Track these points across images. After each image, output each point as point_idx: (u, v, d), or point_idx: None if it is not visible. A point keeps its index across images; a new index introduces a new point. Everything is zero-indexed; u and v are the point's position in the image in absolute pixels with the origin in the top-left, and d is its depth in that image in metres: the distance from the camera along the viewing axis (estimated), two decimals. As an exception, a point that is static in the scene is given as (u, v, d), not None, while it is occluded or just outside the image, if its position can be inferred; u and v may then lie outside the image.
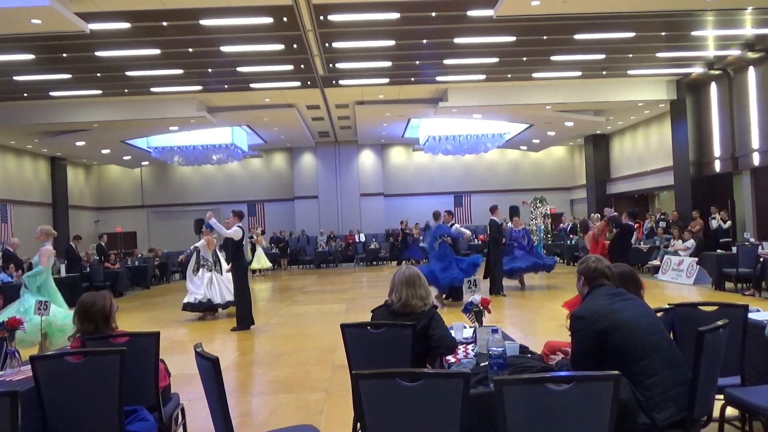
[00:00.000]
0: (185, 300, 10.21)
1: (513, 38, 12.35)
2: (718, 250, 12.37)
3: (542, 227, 22.30)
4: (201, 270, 10.30)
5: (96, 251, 17.22)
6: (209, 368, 2.60)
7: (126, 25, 10.69)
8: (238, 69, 13.81)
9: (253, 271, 19.42)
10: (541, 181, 26.32)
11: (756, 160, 14.36)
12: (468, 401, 2.21)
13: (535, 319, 9.09)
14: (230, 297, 10.04)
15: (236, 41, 11.96)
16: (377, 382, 2.25)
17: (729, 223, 14.75)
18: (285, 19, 10.84)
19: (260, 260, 19.76)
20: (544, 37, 12.40)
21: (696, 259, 12.36)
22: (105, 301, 3.51)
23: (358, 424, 3.06)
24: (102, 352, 3.08)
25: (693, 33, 12.62)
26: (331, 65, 13.89)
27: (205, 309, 10.15)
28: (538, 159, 26.63)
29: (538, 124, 19.90)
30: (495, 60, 13.96)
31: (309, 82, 15.40)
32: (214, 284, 10.22)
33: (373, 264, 22.23)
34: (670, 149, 17.71)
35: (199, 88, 15.56)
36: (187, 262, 10.98)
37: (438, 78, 15.58)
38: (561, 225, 21.43)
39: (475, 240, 21.26)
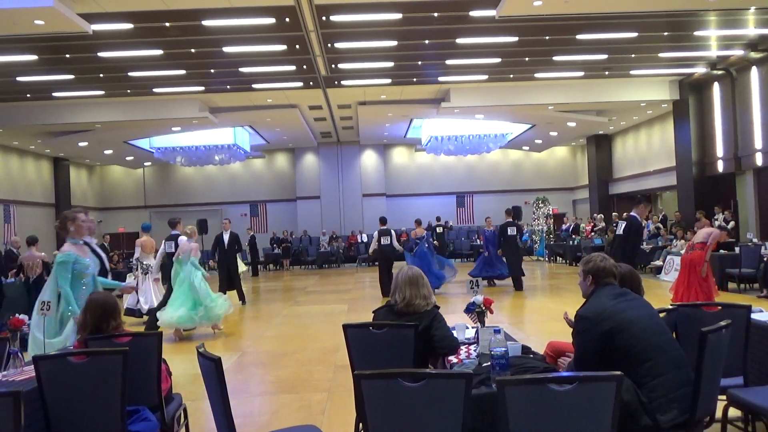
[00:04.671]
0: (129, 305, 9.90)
1: (515, 38, 12.34)
2: (721, 251, 12.33)
3: (544, 227, 22.28)
4: (144, 276, 9.91)
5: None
6: (211, 368, 2.60)
7: (129, 26, 10.70)
8: (241, 69, 13.83)
9: None
10: (543, 181, 26.29)
11: (759, 160, 14.33)
12: (470, 402, 2.21)
13: (538, 319, 9.08)
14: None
15: (238, 42, 11.97)
16: (379, 383, 2.25)
17: (732, 223, 14.71)
18: (287, 19, 10.85)
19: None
20: (547, 38, 12.38)
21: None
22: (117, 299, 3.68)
23: (361, 425, 3.06)
24: (104, 353, 3.09)
25: (696, 33, 12.60)
26: (333, 66, 13.90)
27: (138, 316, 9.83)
28: (540, 159, 26.60)
29: (540, 124, 19.88)
30: (497, 60, 13.95)
31: (311, 83, 15.41)
32: (152, 290, 9.90)
33: (375, 264, 22.17)
34: (673, 149, 17.68)
35: (202, 88, 15.58)
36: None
37: (440, 78, 15.57)
38: (563, 226, 21.39)
39: (477, 240, 21.25)
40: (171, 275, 8.76)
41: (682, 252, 13.31)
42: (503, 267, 12.89)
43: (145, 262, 10.11)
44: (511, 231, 12.61)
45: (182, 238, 9.07)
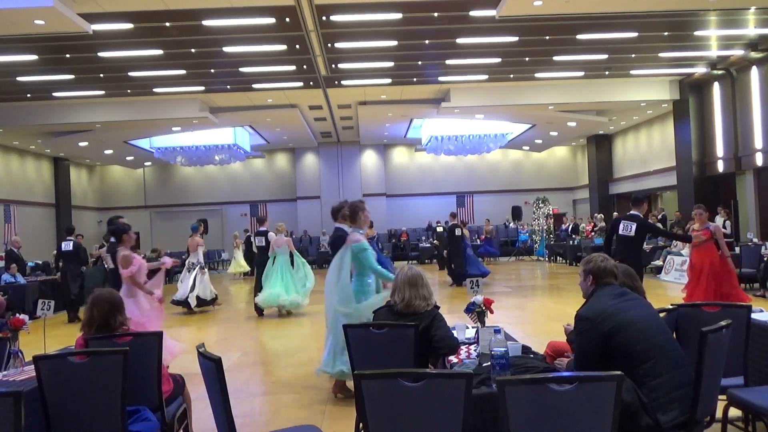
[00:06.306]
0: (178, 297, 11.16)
1: (515, 38, 12.34)
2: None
3: (544, 227, 22.27)
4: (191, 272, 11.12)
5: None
6: (212, 368, 2.60)
7: (129, 26, 10.70)
8: (241, 69, 13.83)
9: (233, 275, 19.97)
10: (543, 181, 26.28)
11: (759, 160, 14.32)
12: (470, 402, 2.21)
13: (538, 319, 9.08)
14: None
15: (239, 42, 11.97)
16: (380, 383, 2.25)
17: (729, 224, 14.68)
18: (287, 19, 10.85)
19: (239, 264, 19.63)
20: (547, 37, 12.38)
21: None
22: None
23: (361, 425, 3.06)
24: (105, 352, 3.09)
25: (696, 33, 12.60)
26: (333, 66, 13.90)
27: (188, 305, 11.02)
28: (540, 159, 26.59)
29: (540, 124, 19.87)
30: (497, 60, 13.95)
31: (311, 83, 15.41)
32: (197, 283, 11.02)
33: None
34: (673, 149, 17.67)
35: (202, 88, 15.58)
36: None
37: (440, 78, 15.57)
38: (562, 226, 21.39)
39: (477, 240, 21.27)
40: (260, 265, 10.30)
41: (683, 252, 13.36)
42: (478, 266, 14.06)
43: (192, 260, 11.30)
44: (458, 232, 13.65)
45: (272, 234, 10.30)
